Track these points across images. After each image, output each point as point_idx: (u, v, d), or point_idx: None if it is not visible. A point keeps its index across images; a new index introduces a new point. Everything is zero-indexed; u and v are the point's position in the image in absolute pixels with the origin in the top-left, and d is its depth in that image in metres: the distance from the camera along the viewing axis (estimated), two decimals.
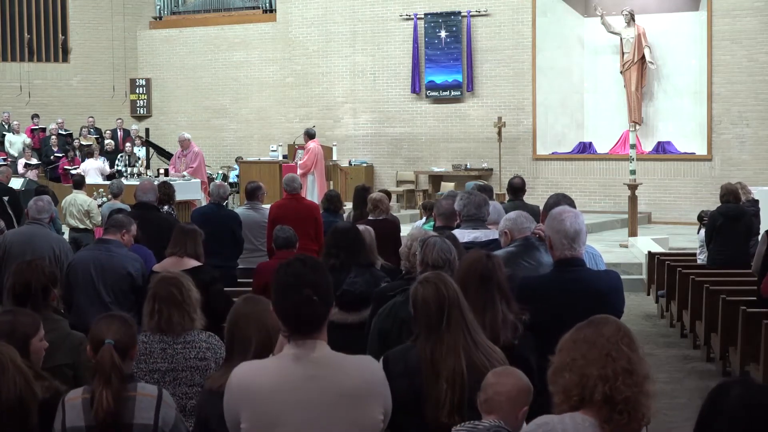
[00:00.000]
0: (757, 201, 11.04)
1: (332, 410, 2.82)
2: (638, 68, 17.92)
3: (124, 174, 17.23)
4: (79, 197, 12.15)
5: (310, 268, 2.90)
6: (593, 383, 2.46)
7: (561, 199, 5.34)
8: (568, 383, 2.50)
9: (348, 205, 11.93)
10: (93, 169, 17.02)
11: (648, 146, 18.04)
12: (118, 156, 18.28)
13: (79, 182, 12.65)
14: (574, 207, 4.82)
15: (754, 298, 7.83)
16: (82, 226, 11.99)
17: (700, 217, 11.13)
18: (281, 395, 2.82)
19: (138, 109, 22.67)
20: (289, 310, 2.85)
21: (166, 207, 9.54)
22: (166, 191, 9.61)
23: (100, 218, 11.81)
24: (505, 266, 4.91)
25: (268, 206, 9.72)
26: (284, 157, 18.50)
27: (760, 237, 8.38)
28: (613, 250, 13.93)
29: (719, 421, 2.29)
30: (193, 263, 6.10)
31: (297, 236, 7.33)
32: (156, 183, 10.08)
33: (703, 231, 10.85)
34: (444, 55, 19.32)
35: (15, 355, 3.38)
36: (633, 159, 14.93)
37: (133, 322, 3.67)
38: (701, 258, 10.67)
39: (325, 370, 2.85)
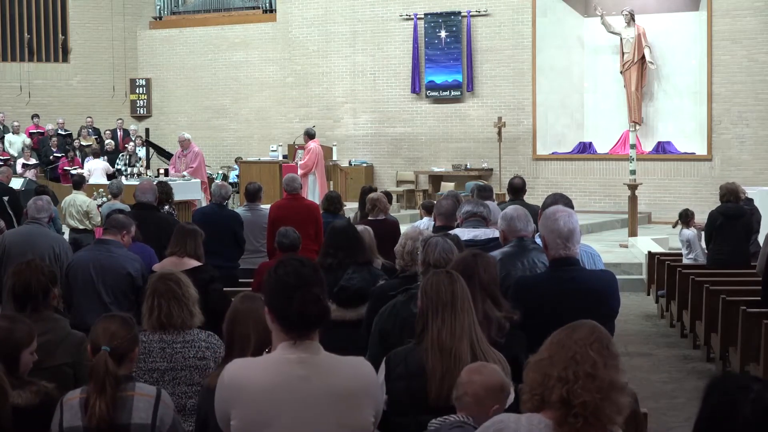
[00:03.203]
0: (751, 200, 11.04)
1: (324, 411, 2.82)
2: (638, 68, 17.92)
3: (125, 174, 17.23)
4: (78, 198, 12.08)
5: (311, 269, 2.89)
6: (552, 384, 2.44)
7: (558, 199, 5.32)
8: (532, 382, 2.50)
9: (349, 206, 11.95)
10: (98, 169, 17.01)
11: (648, 146, 18.04)
12: (119, 156, 18.29)
13: (78, 182, 12.57)
14: (572, 207, 4.82)
15: (754, 298, 7.82)
16: (81, 227, 11.92)
17: (683, 215, 10.95)
18: (274, 395, 2.81)
19: (138, 109, 22.67)
20: (294, 310, 2.81)
21: (166, 207, 9.55)
22: (163, 191, 9.61)
23: (99, 219, 11.78)
24: (502, 267, 4.92)
25: (267, 206, 9.72)
26: (284, 157, 18.49)
27: (763, 236, 8.37)
28: (613, 250, 13.94)
29: (738, 420, 2.22)
30: (193, 263, 6.10)
31: (301, 239, 7.30)
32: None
33: (686, 230, 10.84)
34: (444, 55, 19.32)
35: None
36: (633, 159, 14.94)
37: (134, 323, 3.67)
38: (690, 258, 10.67)
39: (318, 371, 2.84)
